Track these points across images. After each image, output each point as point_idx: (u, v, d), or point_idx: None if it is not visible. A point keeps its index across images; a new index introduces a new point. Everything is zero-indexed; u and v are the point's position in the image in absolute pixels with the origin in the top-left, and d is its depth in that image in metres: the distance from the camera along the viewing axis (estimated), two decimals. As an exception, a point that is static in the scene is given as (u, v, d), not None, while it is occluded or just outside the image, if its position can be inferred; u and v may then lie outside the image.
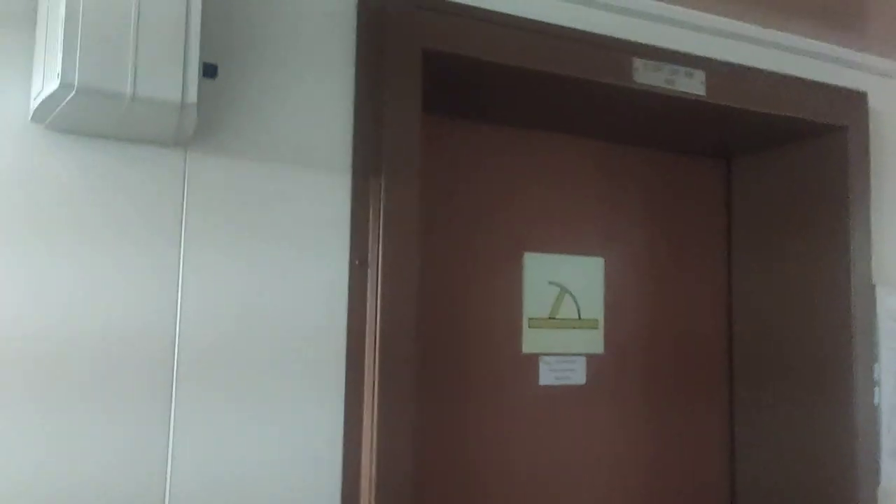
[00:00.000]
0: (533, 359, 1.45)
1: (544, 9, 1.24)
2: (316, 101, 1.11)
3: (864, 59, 1.54)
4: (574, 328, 1.49)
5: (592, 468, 1.49)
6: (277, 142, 1.08)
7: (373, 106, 1.14)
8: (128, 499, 0.97)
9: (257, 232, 1.06)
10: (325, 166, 1.12)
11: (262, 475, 1.04)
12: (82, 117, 0.90)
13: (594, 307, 1.51)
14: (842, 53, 1.51)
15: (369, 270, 1.15)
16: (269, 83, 1.08)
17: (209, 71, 0.96)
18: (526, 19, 1.22)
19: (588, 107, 1.37)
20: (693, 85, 1.32)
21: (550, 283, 1.47)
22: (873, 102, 1.51)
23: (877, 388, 1.41)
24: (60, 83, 0.81)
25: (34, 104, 0.90)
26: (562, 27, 1.24)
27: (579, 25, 1.25)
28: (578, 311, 1.49)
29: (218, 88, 1.04)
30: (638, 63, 1.28)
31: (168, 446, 1.00)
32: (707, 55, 1.35)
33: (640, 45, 1.30)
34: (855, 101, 1.49)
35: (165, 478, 0.99)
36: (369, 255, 1.15)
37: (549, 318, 1.47)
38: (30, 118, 0.92)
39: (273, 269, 1.07)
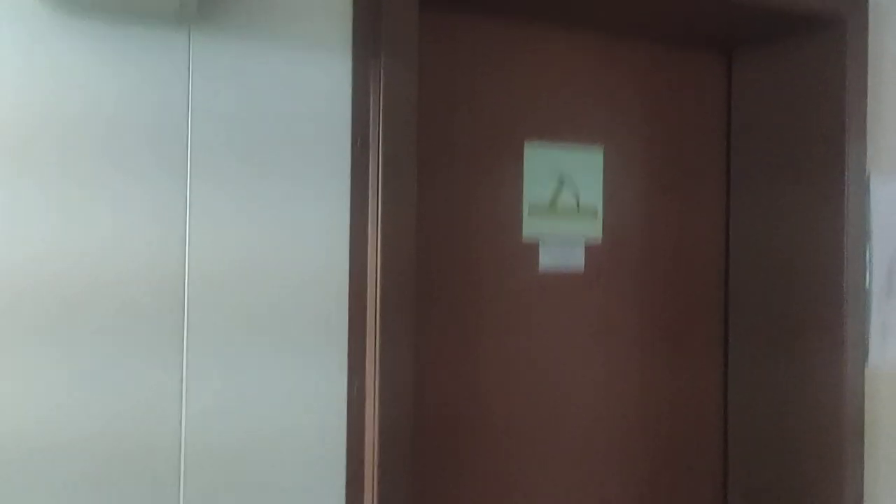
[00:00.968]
0: (533, 246, 1.51)
1: None
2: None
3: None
4: (573, 217, 1.54)
5: (591, 351, 1.56)
6: (279, 23, 1.13)
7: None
8: (144, 436, 1.05)
9: (261, 116, 1.12)
10: (325, 48, 1.16)
11: (269, 411, 1.11)
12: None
13: (593, 196, 1.56)
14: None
15: (370, 152, 1.21)
16: (269, -40, 1.12)
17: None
18: None
19: (587, -5, 1.39)
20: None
21: (550, 171, 1.52)
22: (875, -7, 1.52)
23: (867, 273, 1.45)
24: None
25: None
26: None
27: None
28: (578, 199, 1.54)
29: (219, -36, 1.08)
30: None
31: (182, 382, 1.07)
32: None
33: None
34: (857, -10, 1.50)
35: (180, 414, 1.07)
36: (370, 135, 1.20)
37: (549, 206, 1.52)
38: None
39: (277, 153, 1.13)
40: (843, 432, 1.45)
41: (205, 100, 1.09)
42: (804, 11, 1.44)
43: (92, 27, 1.02)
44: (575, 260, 1.54)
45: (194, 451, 1.07)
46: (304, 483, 1.13)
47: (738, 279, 1.65)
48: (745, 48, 1.67)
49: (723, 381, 1.70)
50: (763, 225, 1.61)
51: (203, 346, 1.08)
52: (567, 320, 1.54)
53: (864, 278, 1.44)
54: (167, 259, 1.06)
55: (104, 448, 1.02)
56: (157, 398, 1.05)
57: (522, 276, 1.50)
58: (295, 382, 1.13)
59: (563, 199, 1.53)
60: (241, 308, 1.10)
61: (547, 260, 1.52)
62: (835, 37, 1.50)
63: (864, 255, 1.44)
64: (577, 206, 1.54)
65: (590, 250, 1.56)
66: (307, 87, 1.14)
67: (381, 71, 1.19)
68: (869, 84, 1.51)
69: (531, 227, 1.50)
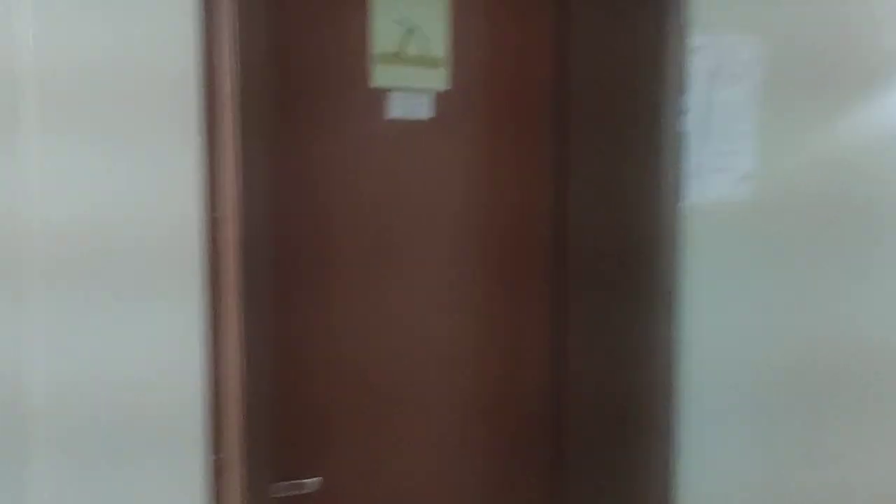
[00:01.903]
0: (381, 93, 1.59)
1: None
2: None
3: None
4: (421, 65, 1.61)
5: (440, 206, 1.69)
6: None
7: None
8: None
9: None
10: None
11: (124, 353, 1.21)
12: None
13: (440, 45, 1.63)
14: None
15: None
16: None
17: None
18: None
19: None
20: None
21: (397, 19, 1.58)
22: None
23: (684, 116, 1.59)
24: None
25: None
26: None
27: None
28: (424, 47, 1.61)
29: None
30: None
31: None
32: None
33: None
34: None
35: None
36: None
37: (397, 54, 1.59)
38: None
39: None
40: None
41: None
42: None
43: None
44: (423, 108, 1.63)
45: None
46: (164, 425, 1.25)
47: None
48: None
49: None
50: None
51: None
52: (413, 169, 1.65)
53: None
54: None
55: None
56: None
57: (370, 125, 1.60)
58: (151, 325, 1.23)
59: (412, 47, 1.60)
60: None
61: (395, 108, 1.60)
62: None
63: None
64: (425, 54, 1.61)
65: (438, 98, 1.65)
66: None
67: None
68: None
69: (379, 76, 1.58)
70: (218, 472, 1.29)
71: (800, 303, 1.79)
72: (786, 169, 1.76)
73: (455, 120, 1.67)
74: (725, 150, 1.66)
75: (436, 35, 1.62)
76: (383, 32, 1.57)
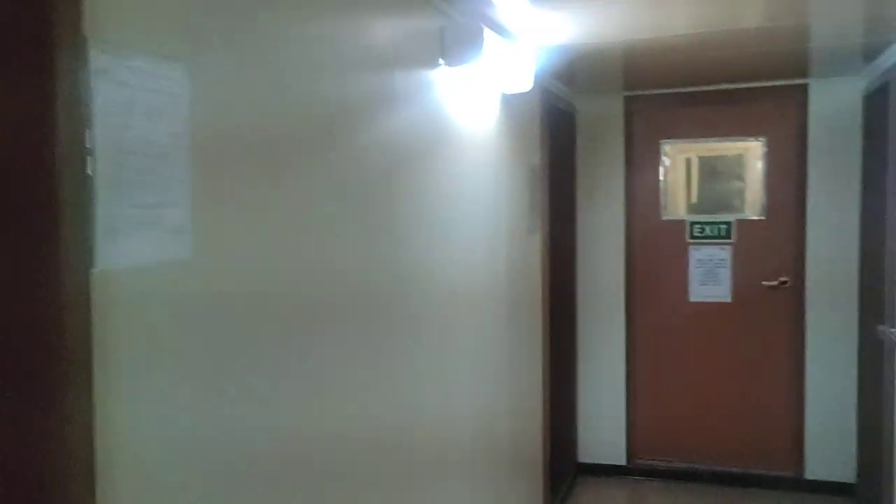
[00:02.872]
0: None
1: None
2: None
3: None
4: None
5: None
6: None
7: None
8: None
9: None
10: None
11: None
12: None
13: None
14: None
15: None
16: None
17: None
18: None
19: None
20: None
21: None
22: None
23: (89, 158, 1.21)
24: None
25: None
26: None
27: None
28: None
29: None
30: None
31: None
32: None
33: None
34: None
35: None
36: None
37: None
38: None
39: None
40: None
41: None
42: None
43: None
44: None
45: None
46: None
47: None
48: None
49: None
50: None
51: None
52: None
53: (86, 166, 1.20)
54: None
55: None
56: None
57: None
58: None
59: None
60: None
61: None
62: None
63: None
64: None
65: None
66: None
67: None
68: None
69: None
70: None
71: (236, 390, 1.57)
72: (227, 224, 1.52)
73: None
74: (150, 201, 1.33)
75: None
76: None
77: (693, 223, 5.09)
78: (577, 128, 5.28)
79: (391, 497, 2.29)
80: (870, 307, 4.48)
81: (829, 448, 4.80)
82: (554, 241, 4.63)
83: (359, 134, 2.10)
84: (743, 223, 4.99)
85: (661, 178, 5.17)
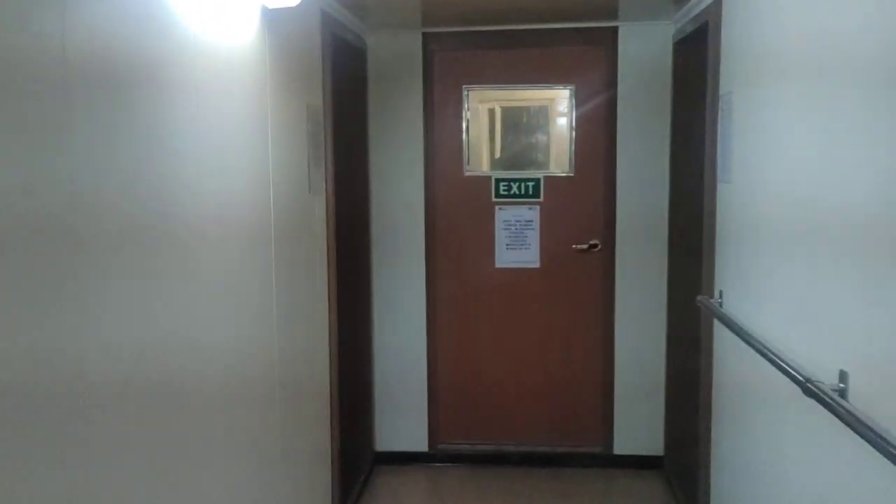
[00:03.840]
0: None
1: None
2: None
3: None
4: None
5: None
6: None
7: None
8: None
9: None
10: None
11: None
12: None
13: None
14: None
15: None
16: None
17: None
18: None
19: None
20: None
21: None
22: None
23: None
24: None
25: None
26: None
27: None
28: None
29: None
30: None
31: None
32: None
33: None
34: None
35: None
36: None
37: None
38: None
39: None
40: None
41: None
42: None
43: None
44: None
45: None
46: None
47: None
48: None
49: None
50: None
51: None
52: None
53: None
54: None
55: None
56: None
57: None
58: None
59: None
60: None
61: None
62: None
63: None
64: None
65: None
66: None
67: None
68: None
69: None
70: None
71: None
72: None
73: None
74: None
75: None
76: None
77: (499, 180, 4.55)
78: (370, 67, 4.51)
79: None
80: (680, 273, 4.21)
81: (638, 421, 4.54)
82: (342, 201, 3.87)
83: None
84: (551, 180, 4.53)
85: (464, 128, 4.57)
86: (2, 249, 1.33)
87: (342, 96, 4.09)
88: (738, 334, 2.75)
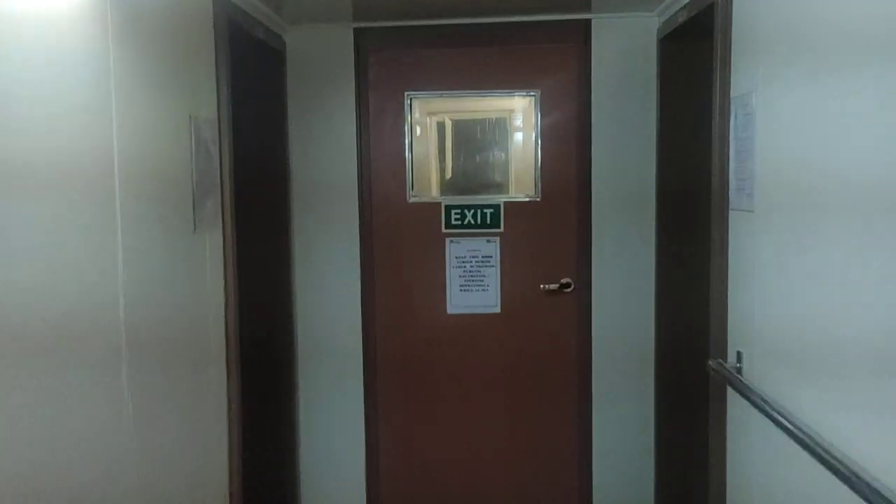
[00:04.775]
0: None
1: None
2: None
3: None
4: None
5: None
6: None
7: None
8: None
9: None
10: None
11: None
12: None
13: None
14: None
15: None
16: None
17: None
18: None
19: None
20: None
21: None
22: None
23: None
24: None
25: None
26: None
27: None
28: None
29: None
30: None
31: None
32: None
33: None
34: None
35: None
36: None
37: None
38: None
39: None
40: None
41: None
42: None
43: None
44: None
45: None
46: None
47: None
48: None
49: None
50: None
51: None
52: None
53: None
54: None
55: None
56: None
57: None
58: None
59: None
60: None
61: None
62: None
63: None
64: None
65: None
66: None
67: None
68: None
69: None
70: None
71: None
72: None
73: None
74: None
75: None
76: None
77: (450, 207, 3.73)
78: (289, 71, 3.67)
79: None
80: (675, 322, 3.43)
81: (621, 500, 3.72)
82: (246, 240, 3.01)
83: None
84: (513, 207, 3.72)
85: (408, 145, 3.75)
86: None
87: (250, 107, 3.25)
88: (775, 422, 1.98)
